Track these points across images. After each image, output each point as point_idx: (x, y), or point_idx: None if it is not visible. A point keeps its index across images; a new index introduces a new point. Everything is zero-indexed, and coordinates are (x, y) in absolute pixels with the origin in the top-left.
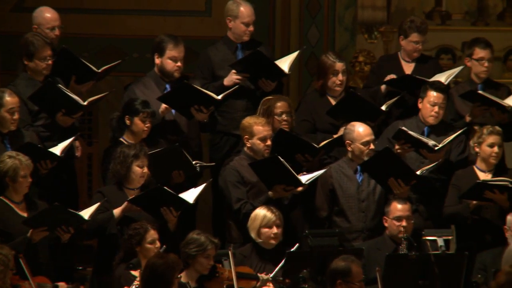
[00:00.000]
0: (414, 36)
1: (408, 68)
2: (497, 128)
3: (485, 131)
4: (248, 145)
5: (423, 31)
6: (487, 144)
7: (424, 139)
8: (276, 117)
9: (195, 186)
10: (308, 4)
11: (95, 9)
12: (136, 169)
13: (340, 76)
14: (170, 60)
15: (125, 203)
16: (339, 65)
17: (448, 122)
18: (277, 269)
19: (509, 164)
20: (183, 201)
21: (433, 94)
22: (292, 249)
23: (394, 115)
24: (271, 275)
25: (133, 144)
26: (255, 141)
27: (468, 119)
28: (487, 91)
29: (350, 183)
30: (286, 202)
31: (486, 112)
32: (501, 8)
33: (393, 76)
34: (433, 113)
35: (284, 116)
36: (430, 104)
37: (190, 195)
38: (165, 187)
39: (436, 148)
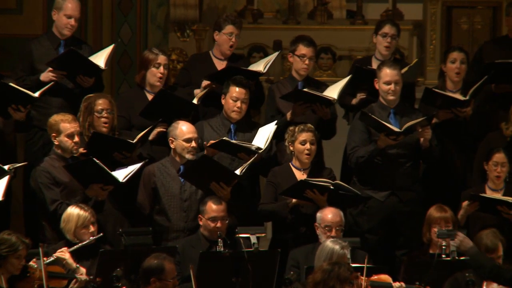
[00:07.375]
0: (229, 28)
1: (220, 65)
2: (309, 125)
3: (297, 129)
4: (56, 142)
5: (237, 23)
6: (299, 141)
7: (247, 144)
8: (96, 114)
9: None
10: (120, 3)
11: None
12: None
13: (162, 69)
14: None
15: None
16: (162, 58)
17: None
18: None
19: (327, 163)
20: None
21: (235, 90)
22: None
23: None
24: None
25: None
26: (63, 138)
27: (289, 117)
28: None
29: (173, 182)
30: (99, 199)
31: (308, 109)
32: (312, 7)
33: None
34: (235, 108)
35: (104, 113)
36: (233, 100)
37: None
38: None
39: (261, 151)
